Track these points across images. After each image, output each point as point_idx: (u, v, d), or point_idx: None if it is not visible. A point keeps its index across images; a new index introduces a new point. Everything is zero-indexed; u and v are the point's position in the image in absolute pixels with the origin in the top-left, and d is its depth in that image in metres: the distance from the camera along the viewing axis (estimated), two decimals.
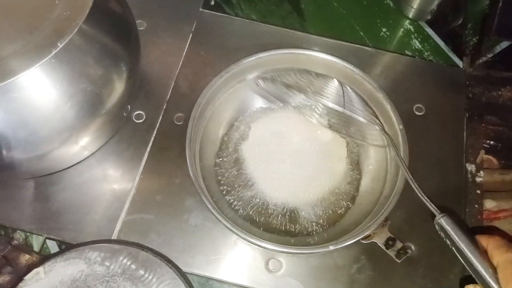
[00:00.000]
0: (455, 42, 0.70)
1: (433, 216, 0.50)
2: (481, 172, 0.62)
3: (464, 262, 0.47)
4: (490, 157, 0.68)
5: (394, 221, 0.55)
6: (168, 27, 0.67)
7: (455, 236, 0.47)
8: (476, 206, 0.59)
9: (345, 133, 0.62)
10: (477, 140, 0.64)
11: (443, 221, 0.48)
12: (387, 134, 0.58)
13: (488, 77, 0.68)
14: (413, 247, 0.55)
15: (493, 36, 0.62)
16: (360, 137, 0.62)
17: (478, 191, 0.60)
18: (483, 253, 0.46)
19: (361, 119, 0.58)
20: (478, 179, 0.61)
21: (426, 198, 0.50)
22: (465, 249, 0.46)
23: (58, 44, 0.39)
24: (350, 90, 0.61)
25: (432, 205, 0.50)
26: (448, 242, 0.48)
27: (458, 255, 0.47)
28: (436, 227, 0.49)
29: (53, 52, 0.39)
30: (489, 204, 0.63)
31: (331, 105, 0.58)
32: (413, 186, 0.51)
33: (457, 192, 0.59)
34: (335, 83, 0.61)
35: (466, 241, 0.46)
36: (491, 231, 0.55)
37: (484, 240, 0.47)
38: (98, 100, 0.48)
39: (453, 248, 0.48)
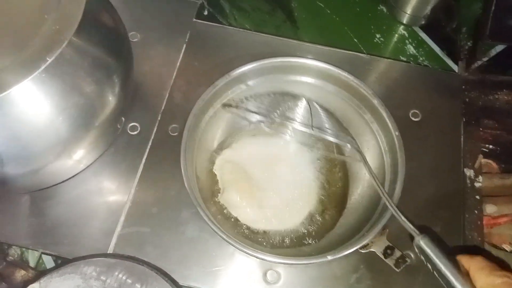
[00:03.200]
0: (450, 46, 0.70)
1: (412, 237, 0.48)
2: (480, 177, 0.61)
3: (445, 285, 0.45)
4: (490, 161, 0.68)
5: (392, 230, 0.55)
6: (161, 38, 0.67)
7: (435, 258, 0.45)
8: (476, 212, 0.59)
9: (319, 149, 0.62)
10: (474, 145, 0.63)
11: (422, 243, 0.47)
12: (358, 151, 0.58)
13: (484, 81, 0.68)
14: (412, 256, 0.54)
15: (487, 40, 0.62)
16: (334, 152, 0.62)
17: (477, 197, 0.60)
18: (465, 276, 0.44)
19: (331, 138, 0.58)
20: (477, 185, 0.61)
21: (403, 218, 0.49)
22: (447, 272, 0.44)
23: (47, 58, 0.39)
24: (319, 109, 0.62)
25: (410, 225, 0.49)
26: (428, 265, 0.47)
27: (439, 278, 0.45)
28: (416, 249, 0.48)
29: (42, 67, 0.39)
30: (490, 209, 0.62)
31: (299, 127, 0.58)
32: (388, 205, 0.51)
33: (456, 198, 0.59)
34: (303, 103, 0.61)
35: (447, 263, 0.44)
36: (473, 250, 0.53)
37: (466, 262, 0.45)
38: (91, 113, 0.47)
39: (434, 272, 0.46)
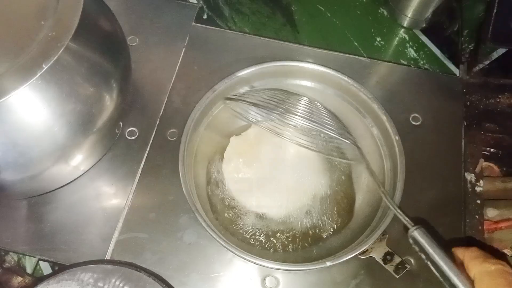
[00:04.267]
0: (451, 49, 0.70)
1: (407, 229, 0.48)
2: (481, 181, 0.60)
3: (440, 277, 0.45)
4: (491, 164, 0.67)
5: (392, 235, 0.54)
6: (160, 42, 0.67)
7: (429, 249, 0.45)
8: (477, 216, 0.58)
9: (319, 150, 0.61)
10: (476, 149, 0.63)
11: (416, 234, 0.47)
12: (357, 147, 0.57)
13: (486, 84, 0.68)
14: (412, 261, 0.53)
15: (489, 43, 0.61)
16: (335, 153, 0.61)
17: (478, 201, 0.59)
18: (460, 266, 0.44)
19: (330, 133, 0.57)
20: (478, 189, 0.60)
21: (398, 210, 0.49)
22: (441, 262, 0.44)
23: (44, 65, 0.39)
24: (320, 106, 0.61)
25: (405, 217, 0.49)
26: (423, 256, 0.47)
27: (433, 270, 0.46)
28: (410, 240, 0.48)
29: (38, 74, 0.39)
30: (491, 213, 0.62)
31: (300, 121, 0.57)
32: (384, 197, 0.51)
33: (457, 202, 0.58)
34: (304, 100, 0.60)
35: (441, 253, 0.45)
36: (470, 243, 0.53)
37: (461, 252, 0.45)
38: (88, 119, 0.47)
39: (428, 262, 0.46)
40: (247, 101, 0.59)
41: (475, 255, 0.44)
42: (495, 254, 0.44)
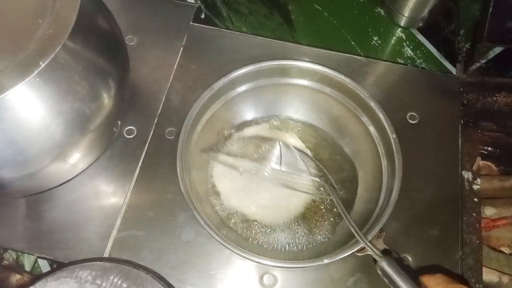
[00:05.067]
0: (448, 48, 0.70)
1: (375, 260, 0.49)
2: (478, 179, 0.61)
3: None
4: (489, 163, 0.67)
5: (389, 233, 0.54)
6: (158, 41, 0.67)
7: (397, 279, 0.47)
8: (474, 214, 0.58)
9: (298, 188, 0.62)
10: (473, 147, 0.63)
11: (384, 265, 0.48)
12: (331, 186, 0.59)
13: (482, 83, 0.68)
14: (409, 258, 0.54)
15: (485, 42, 0.62)
16: (311, 190, 0.62)
17: (476, 199, 0.59)
18: None
19: (304, 175, 0.60)
20: (475, 187, 0.60)
21: (366, 241, 0.50)
22: None
23: (41, 63, 0.39)
24: (293, 150, 0.63)
25: (373, 249, 0.50)
26: (391, 287, 0.48)
27: None
28: (379, 272, 0.49)
29: (36, 72, 0.39)
30: (488, 211, 0.62)
31: (274, 166, 0.61)
32: (352, 229, 0.51)
33: (454, 201, 0.58)
34: (277, 145, 0.62)
35: (408, 282, 0.46)
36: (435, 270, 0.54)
37: (426, 279, 0.48)
38: (86, 117, 0.47)
39: None
40: (224, 153, 0.62)
41: (438, 281, 0.47)
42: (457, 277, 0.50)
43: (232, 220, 0.60)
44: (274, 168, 0.60)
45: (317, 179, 0.59)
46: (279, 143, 0.62)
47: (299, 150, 0.63)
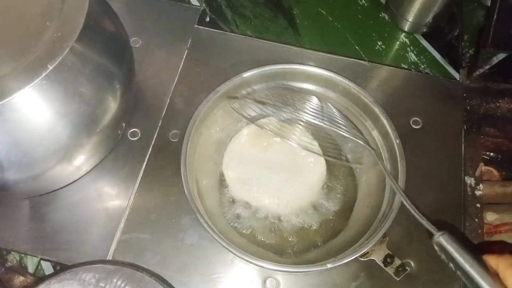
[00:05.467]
0: (452, 54, 0.70)
1: (431, 234, 0.45)
2: (481, 185, 0.61)
3: (471, 286, 0.41)
4: (491, 169, 0.67)
5: (392, 238, 0.55)
6: (163, 44, 0.67)
7: (458, 256, 0.42)
8: (476, 220, 0.59)
9: (328, 155, 0.60)
10: (476, 153, 0.63)
11: (443, 240, 0.43)
12: (371, 148, 0.54)
13: (486, 89, 0.68)
14: (412, 264, 0.54)
15: (489, 48, 0.62)
16: (344, 158, 0.60)
17: (478, 205, 0.60)
18: (494, 275, 0.41)
19: (343, 132, 0.54)
20: (477, 193, 0.60)
21: (421, 215, 0.47)
22: (472, 271, 0.41)
23: (48, 65, 0.39)
24: (331, 106, 0.59)
25: (429, 222, 0.46)
26: (450, 264, 0.43)
27: (463, 279, 0.42)
28: (436, 247, 0.45)
29: (43, 74, 0.39)
30: (490, 217, 0.62)
31: (310, 119, 0.55)
32: (406, 203, 0.49)
33: (456, 206, 0.58)
34: (315, 100, 0.58)
35: (472, 261, 0.41)
36: (499, 246, 0.52)
37: (494, 260, 0.41)
38: (92, 119, 0.48)
39: (457, 271, 0.43)
40: (253, 100, 0.57)
41: (510, 262, 0.40)
42: None
43: (240, 219, 0.60)
44: (309, 119, 0.54)
45: (360, 141, 0.53)
46: (316, 98, 0.57)
47: (337, 109, 0.59)
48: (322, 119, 0.54)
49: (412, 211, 0.48)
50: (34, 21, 0.43)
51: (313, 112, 0.56)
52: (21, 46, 0.41)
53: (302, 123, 0.56)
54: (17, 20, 0.43)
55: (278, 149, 0.63)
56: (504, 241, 0.53)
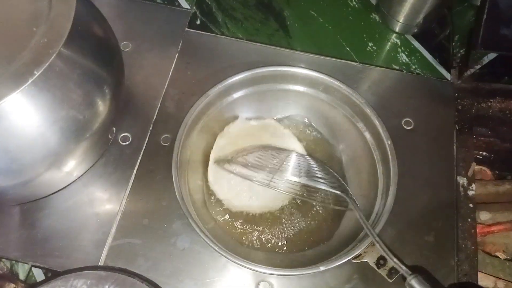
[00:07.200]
0: (443, 54, 0.70)
1: (404, 278, 0.48)
2: (473, 185, 0.61)
3: None
4: (484, 168, 0.68)
5: (384, 239, 0.54)
6: (153, 47, 0.67)
7: None
8: (469, 220, 0.59)
9: (312, 199, 0.61)
10: (468, 153, 0.63)
11: (414, 283, 0.46)
12: (350, 198, 0.56)
13: (477, 89, 0.68)
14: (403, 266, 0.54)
15: (479, 48, 0.62)
16: (327, 201, 0.61)
17: (471, 205, 0.60)
18: None
19: (320, 186, 0.56)
20: (470, 193, 0.60)
21: (393, 257, 0.49)
22: None
23: (35, 72, 0.39)
24: (308, 158, 0.60)
25: (401, 265, 0.48)
26: None
27: None
28: None
29: (30, 80, 0.38)
30: (483, 216, 0.62)
31: (290, 177, 0.57)
32: (378, 246, 0.50)
33: (449, 206, 0.58)
34: (293, 156, 0.59)
35: None
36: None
37: None
38: (81, 125, 0.47)
39: None
40: (237, 163, 0.60)
41: None
42: None
43: (233, 223, 0.60)
44: (291, 179, 0.57)
45: (338, 192, 0.56)
46: (294, 153, 0.60)
47: (317, 160, 0.61)
48: (300, 176, 0.56)
49: (385, 254, 0.49)
50: (20, 28, 0.42)
51: (292, 169, 0.58)
52: (8, 52, 0.41)
53: (283, 181, 0.58)
54: (3, 27, 0.42)
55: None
56: (473, 283, 0.54)
